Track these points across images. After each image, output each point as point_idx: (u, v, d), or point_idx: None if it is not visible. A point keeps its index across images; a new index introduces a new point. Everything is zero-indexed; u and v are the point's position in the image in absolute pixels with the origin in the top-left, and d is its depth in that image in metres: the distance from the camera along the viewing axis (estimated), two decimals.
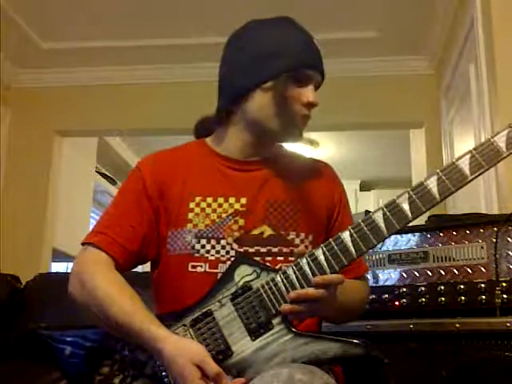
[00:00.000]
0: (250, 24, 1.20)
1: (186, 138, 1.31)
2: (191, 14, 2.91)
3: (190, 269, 1.12)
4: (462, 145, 2.71)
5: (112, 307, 1.03)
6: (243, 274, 1.04)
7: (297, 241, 1.14)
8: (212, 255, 1.12)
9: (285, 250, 1.12)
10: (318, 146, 4.78)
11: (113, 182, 4.83)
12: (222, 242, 1.12)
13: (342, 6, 2.82)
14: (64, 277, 1.14)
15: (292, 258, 1.06)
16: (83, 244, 1.15)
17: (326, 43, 3.41)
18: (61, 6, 2.88)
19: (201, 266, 1.11)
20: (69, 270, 1.16)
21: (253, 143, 1.19)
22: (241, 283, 1.04)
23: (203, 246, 1.12)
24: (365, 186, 5.70)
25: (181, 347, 0.97)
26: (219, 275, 1.09)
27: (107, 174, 4.77)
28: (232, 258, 1.10)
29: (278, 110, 1.13)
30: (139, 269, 1.24)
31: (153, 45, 3.17)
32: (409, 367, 1.38)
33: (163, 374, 1.00)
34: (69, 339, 1.09)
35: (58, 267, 4.15)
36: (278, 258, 1.12)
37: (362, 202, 5.17)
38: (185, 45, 3.12)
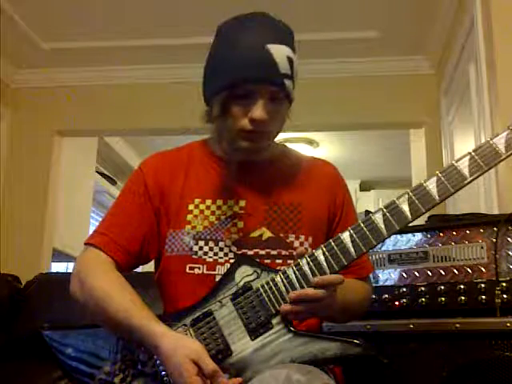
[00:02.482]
0: (218, 29, 1.15)
1: (187, 138, 1.31)
2: (192, 14, 2.91)
3: (187, 270, 1.12)
4: (462, 145, 2.71)
5: (111, 305, 1.03)
6: (244, 274, 1.05)
7: (296, 243, 1.14)
8: (210, 257, 1.12)
9: (284, 252, 1.12)
10: (317, 146, 4.78)
11: (113, 182, 4.83)
12: (221, 244, 1.12)
13: (343, 6, 2.82)
14: (64, 277, 1.14)
15: (291, 261, 1.05)
16: (85, 244, 1.15)
17: (326, 43, 3.42)
18: (61, 6, 2.88)
19: (198, 268, 1.12)
20: (69, 270, 1.17)
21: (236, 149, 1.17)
22: (241, 283, 1.04)
23: (201, 248, 1.13)
24: (364, 186, 5.70)
25: (178, 343, 0.97)
26: (217, 277, 1.09)
27: (107, 174, 4.77)
28: (230, 260, 1.10)
29: (221, 129, 1.12)
30: (139, 269, 1.25)
31: (153, 45, 3.17)
32: (409, 367, 1.38)
33: (163, 373, 1.00)
34: (70, 339, 1.09)
35: (59, 267, 4.15)
36: (277, 261, 1.11)
37: (362, 202, 5.17)
38: (185, 45, 3.11)
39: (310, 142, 4.68)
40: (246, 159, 1.18)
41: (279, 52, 1.06)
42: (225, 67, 1.09)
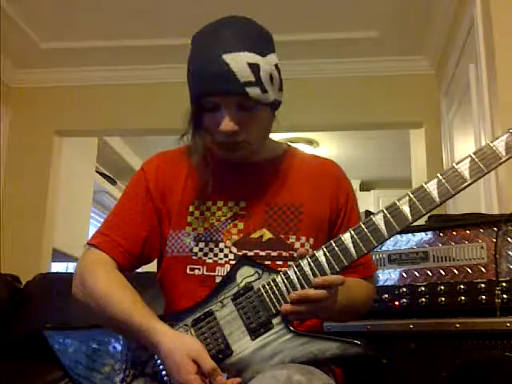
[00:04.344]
0: (192, 39, 1.15)
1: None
2: (192, 14, 2.91)
3: (188, 271, 1.12)
4: (462, 145, 2.71)
5: (112, 304, 1.04)
6: (245, 274, 1.05)
7: (297, 245, 1.13)
8: (210, 258, 1.12)
9: (284, 254, 1.12)
10: (317, 146, 4.78)
11: (113, 181, 4.82)
12: (221, 245, 1.12)
13: (343, 6, 2.82)
14: (64, 277, 1.15)
15: (291, 263, 1.05)
16: (87, 245, 1.16)
17: (326, 43, 3.40)
18: (61, 6, 2.87)
19: (198, 269, 1.12)
20: (69, 270, 1.18)
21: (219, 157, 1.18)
22: (242, 284, 1.04)
23: (201, 249, 1.13)
24: (365, 186, 5.70)
25: (178, 341, 0.98)
26: (217, 278, 1.09)
27: (107, 174, 4.77)
28: (231, 262, 1.10)
29: (199, 138, 1.13)
30: (140, 269, 1.25)
31: (153, 45, 3.16)
32: (409, 367, 1.38)
33: (163, 372, 1.00)
34: (71, 339, 1.09)
35: (58, 267, 4.14)
36: (277, 262, 1.11)
37: (362, 202, 5.14)
38: (185, 44, 3.11)
39: (310, 142, 4.67)
40: (243, 161, 1.17)
41: (237, 60, 1.03)
42: (190, 81, 1.10)
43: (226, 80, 1.03)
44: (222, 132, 1.07)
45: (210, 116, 1.09)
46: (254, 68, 1.04)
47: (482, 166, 1.01)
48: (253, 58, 1.05)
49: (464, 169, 1.01)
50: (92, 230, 4.13)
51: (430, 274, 1.42)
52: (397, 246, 1.49)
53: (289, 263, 1.09)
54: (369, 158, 5.06)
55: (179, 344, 0.97)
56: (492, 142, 1.02)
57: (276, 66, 1.10)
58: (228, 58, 1.03)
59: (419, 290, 1.42)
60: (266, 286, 1.02)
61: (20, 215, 3.29)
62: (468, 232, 1.39)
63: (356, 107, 3.27)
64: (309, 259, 1.02)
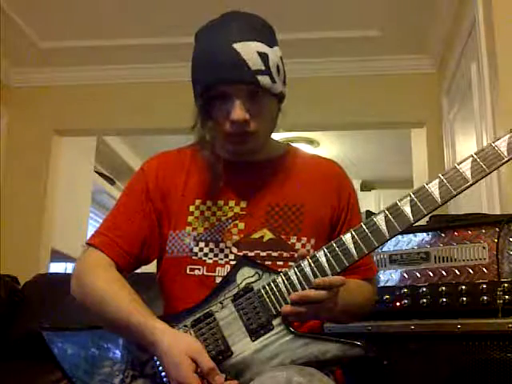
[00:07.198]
0: (195, 34, 1.14)
1: (187, 138, 1.29)
2: (191, 13, 2.90)
3: (188, 271, 1.12)
4: (464, 144, 2.70)
5: (111, 304, 1.03)
6: (245, 275, 1.04)
7: (298, 245, 1.12)
8: (210, 258, 1.11)
9: (285, 254, 1.11)
10: (318, 146, 4.77)
11: (111, 181, 4.82)
12: (221, 245, 1.12)
13: (344, 4, 2.81)
14: (63, 277, 1.14)
15: (292, 263, 1.05)
16: (86, 244, 1.16)
17: (327, 42, 3.39)
18: (60, 6, 2.87)
19: (199, 269, 1.11)
20: (68, 271, 1.17)
21: (227, 151, 1.18)
22: (242, 285, 1.03)
23: (201, 249, 1.12)
24: (365, 186, 5.69)
25: (177, 339, 0.97)
26: (217, 279, 1.09)
27: (106, 173, 4.76)
28: (231, 262, 1.10)
29: (208, 131, 1.12)
30: (139, 269, 1.24)
31: (153, 44, 3.16)
32: (409, 368, 1.37)
33: (162, 374, 0.99)
34: (70, 340, 1.09)
35: (57, 268, 4.14)
36: (278, 263, 1.10)
37: (363, 202, 5.11)
38: (185, 44, 3.10)
39: (311, 142, 4.67)
40: (244, 160, 1.17)
41: (247, 49, 1.04)
42: (198, 73, 1.09)
43: (237, 68, 1.03)
44: (234, 121, 1.06)
45: (219, 107, 1.08)
46: (264, 57, 1.05)
47: (483, 166, 1.00)
48: (262, 47, 1.06)
49: (466, 169, 1.01)
50: (91, 230, 4.11)
51: (431, 274, 1.41)
52: (398, 246, 1.48)
53: (290, 264, 1.08)
54: (370, 157, 5.05)
55: (178, 342, 0.96)
56: (494, 142, 1.02)
57: (281, 58, 1.11)
58: (238, 46, 1.04)
59: (420, 290, 1.41)
60: (267, 287, 1.02)
61: (18, 215, 3.29)
62: (470, 232, 1.38)
63: (357, 106, 3.26)
64: (309, 260, 1.01)
